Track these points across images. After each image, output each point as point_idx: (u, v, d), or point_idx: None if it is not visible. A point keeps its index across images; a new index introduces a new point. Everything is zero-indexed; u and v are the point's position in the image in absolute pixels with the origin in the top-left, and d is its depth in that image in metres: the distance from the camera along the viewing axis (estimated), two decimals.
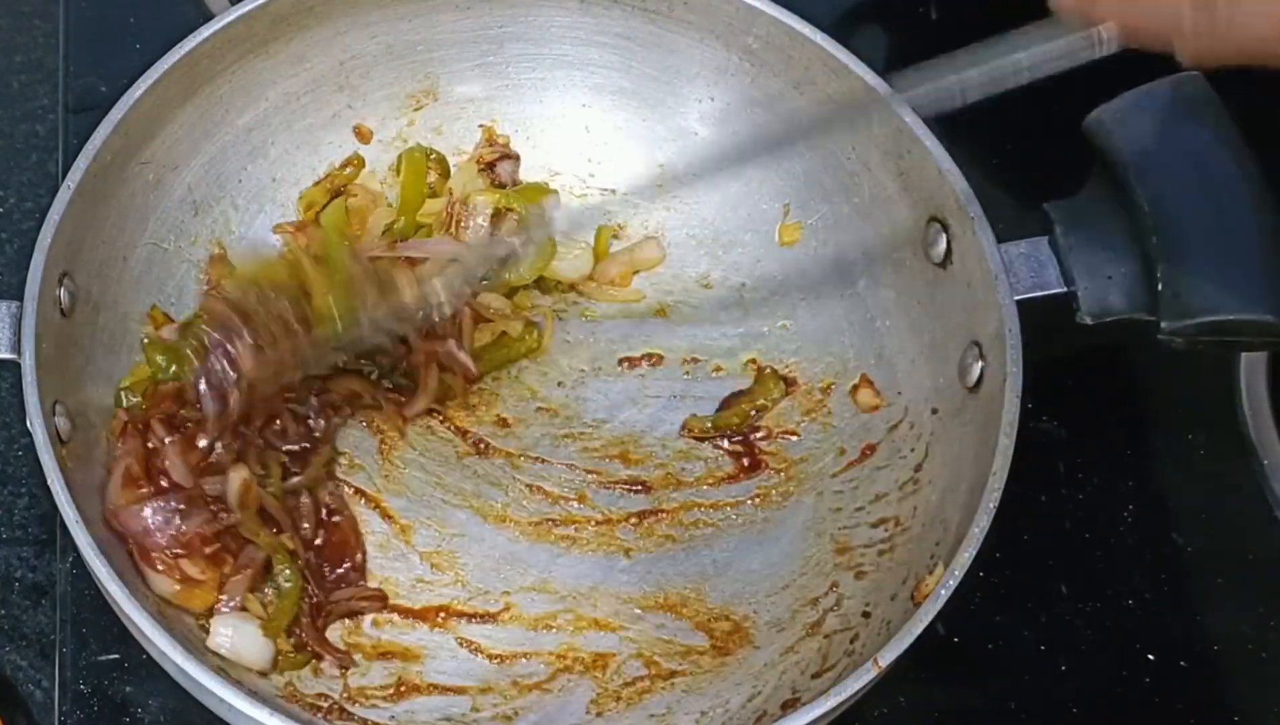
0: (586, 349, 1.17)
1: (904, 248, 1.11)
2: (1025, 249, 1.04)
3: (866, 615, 1.02)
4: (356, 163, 1.19)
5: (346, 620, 1.03)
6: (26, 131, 1.27)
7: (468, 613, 1.04)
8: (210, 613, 1.00)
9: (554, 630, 1.04)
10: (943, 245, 1.07)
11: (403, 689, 1.01)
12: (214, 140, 1.14)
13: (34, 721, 1.03)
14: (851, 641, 1.01)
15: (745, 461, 1.12)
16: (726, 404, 1.15)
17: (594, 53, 1.20)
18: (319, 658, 1.00)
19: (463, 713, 1.01)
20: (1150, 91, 1.05)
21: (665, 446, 1.13)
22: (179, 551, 0.98)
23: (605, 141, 1.22)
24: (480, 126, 1.21)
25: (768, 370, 1.16)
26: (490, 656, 1.03)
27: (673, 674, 1.03)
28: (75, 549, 0.94)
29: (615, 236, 1.20)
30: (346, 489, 1.07)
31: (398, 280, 1.04)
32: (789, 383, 1.15)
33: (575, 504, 1.09)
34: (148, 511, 0.98)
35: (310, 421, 1.07)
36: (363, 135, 1.19)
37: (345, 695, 1.00)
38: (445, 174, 1.19)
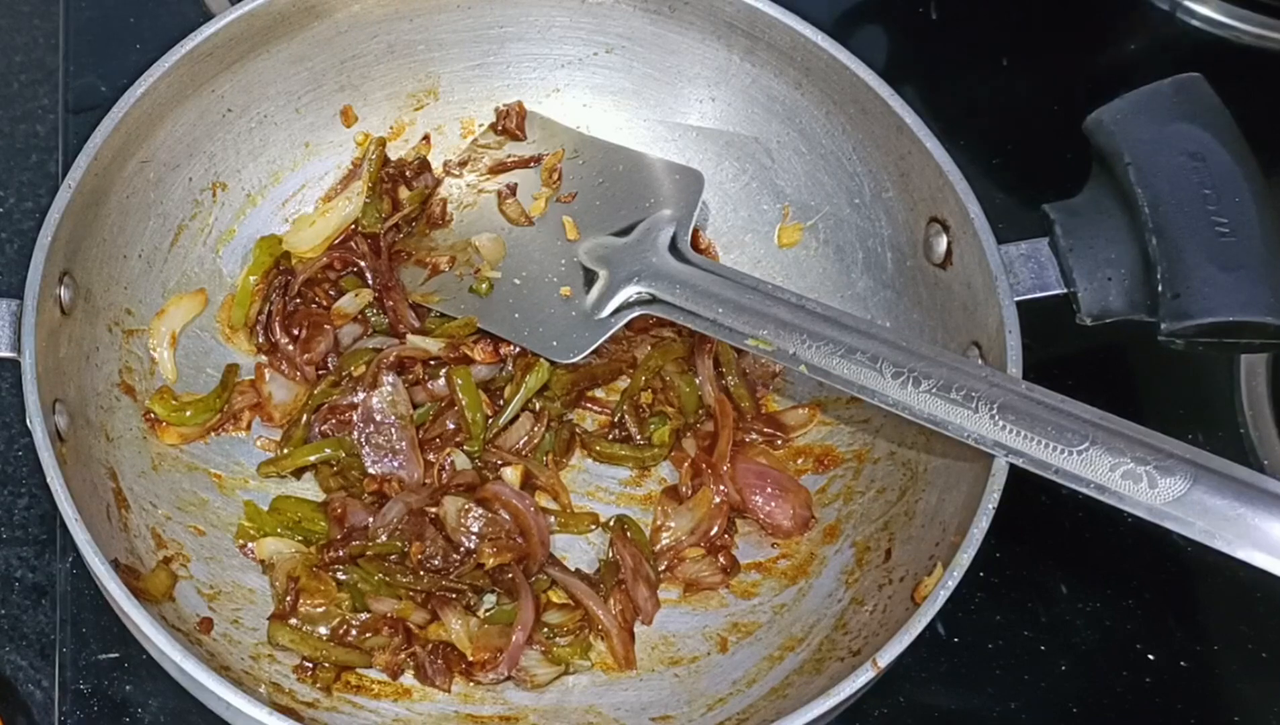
0: None
1: (904, 248, 1.11)
2: (1025, 250, 1.04)
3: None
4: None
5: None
6: (26, 131, 1.27)
7: None
8: None
9: None
10: (943, 245, 1.07)
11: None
12: (214, 139, 1.14)
13: (34, 721, 1.03)
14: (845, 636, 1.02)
15: None
16: None
17: (595, 53, 1.20)
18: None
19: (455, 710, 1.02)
20: (1150, 92, 1.05)
21: None
22: None
23: None
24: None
25: None
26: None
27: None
28: (75, 549, 0.94)
29: None
30: None
31: None
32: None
33: None
34: None
35: None
36: (348, 117, 1.20)
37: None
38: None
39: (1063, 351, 1.16)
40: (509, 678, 1.02)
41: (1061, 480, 0.92)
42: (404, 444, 1.08)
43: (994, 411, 0.94)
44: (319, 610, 1.03)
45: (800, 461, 1.13)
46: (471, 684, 1.03)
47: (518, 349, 1.12)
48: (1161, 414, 1.20)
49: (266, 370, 1.12)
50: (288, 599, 1.03)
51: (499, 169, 1.20)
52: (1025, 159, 1.31)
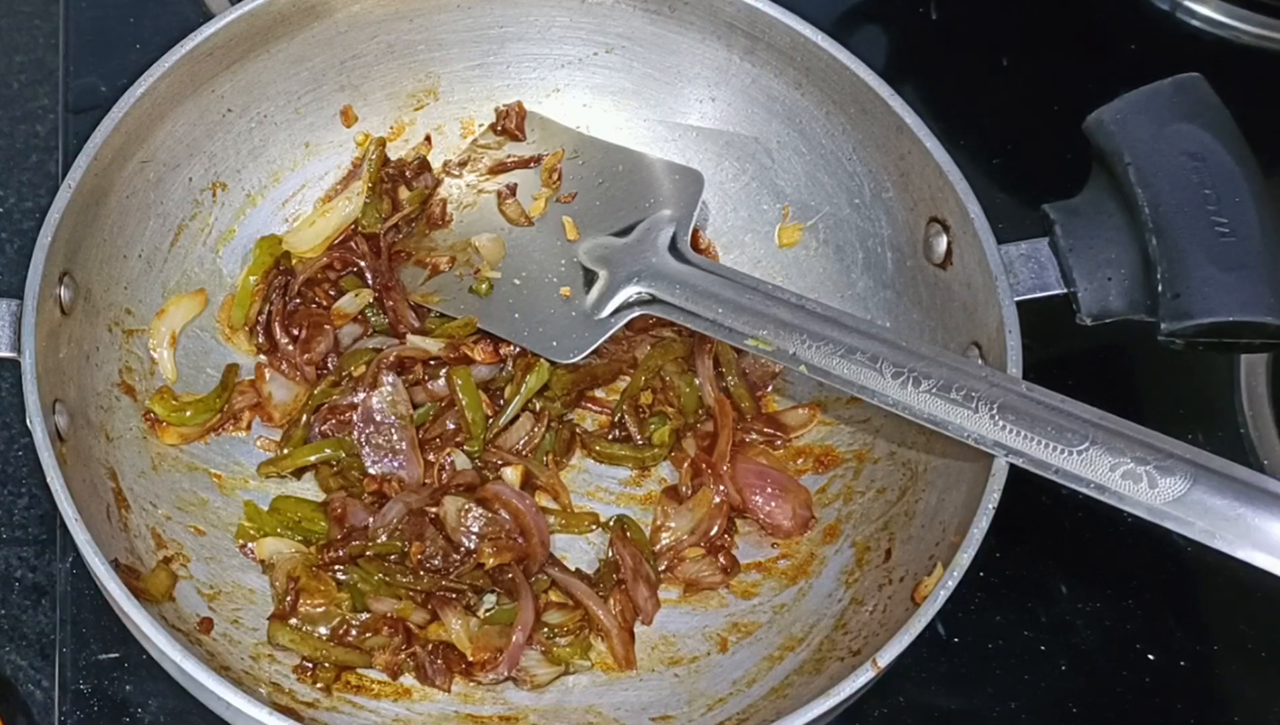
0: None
1: (904, 248, 1.11)
2: (1025, 250, 1.04)
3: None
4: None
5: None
6: (26, 131, 1.27)
7: None
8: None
9: None
10: (943, 245, 1.07)
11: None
12: (214, 139, 1.14)
13: (34, 721, 1.03)
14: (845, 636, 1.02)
15: None
16: None
17: (595, 53, 1.20)
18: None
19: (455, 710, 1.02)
20: (1150, 92, 1.05)
21: None
22: None
23: None
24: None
25: None
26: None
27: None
28: (75, 549, 0.94)
29: None
30: None
31: None
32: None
33: None
34: None
35: None
36: (348, 118, 1.20)
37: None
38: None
39: (1063, 351, 1.16)
40: (509, 678, 1.02)
41: (1061, 480, 0.92)
42: (404, 444, 1.08)
43: (994, 411, 0.94)
44: (319, 610, 1.03)
45: (800, 461, 1.13)
46: (471, 684, 1.03)
47: (518, 349, 1.12)
48: (1161, 414, 1.20)
49: (266, 370, 1.12)
50: (288, 599, 1.03)
51: (499, 169, 1.20)
52: (1025, 159, 1.31)
